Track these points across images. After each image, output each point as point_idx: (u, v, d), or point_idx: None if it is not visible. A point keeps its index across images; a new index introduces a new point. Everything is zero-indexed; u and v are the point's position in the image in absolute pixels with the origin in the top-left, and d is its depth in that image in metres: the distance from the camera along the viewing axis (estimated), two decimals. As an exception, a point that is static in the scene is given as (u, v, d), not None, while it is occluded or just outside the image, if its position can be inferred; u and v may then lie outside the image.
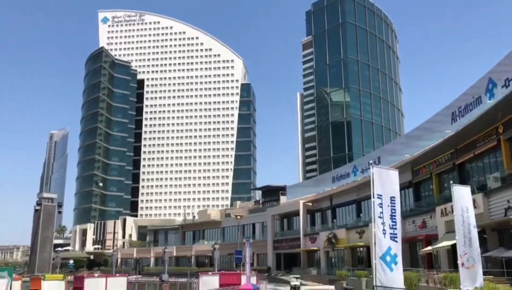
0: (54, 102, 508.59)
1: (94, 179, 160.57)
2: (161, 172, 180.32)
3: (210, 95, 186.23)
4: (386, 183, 13.63)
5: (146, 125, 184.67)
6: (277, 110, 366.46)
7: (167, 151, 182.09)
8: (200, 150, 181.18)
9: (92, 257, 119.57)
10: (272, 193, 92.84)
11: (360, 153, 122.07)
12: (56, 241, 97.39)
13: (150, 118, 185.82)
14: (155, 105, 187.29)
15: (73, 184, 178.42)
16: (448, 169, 40.42)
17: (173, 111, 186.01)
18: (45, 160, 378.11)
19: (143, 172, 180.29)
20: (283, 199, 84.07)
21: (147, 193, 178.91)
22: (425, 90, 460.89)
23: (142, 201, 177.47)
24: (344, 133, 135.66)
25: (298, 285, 44.78)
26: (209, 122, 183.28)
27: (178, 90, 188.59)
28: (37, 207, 45.88)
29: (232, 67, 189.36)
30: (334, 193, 63.88)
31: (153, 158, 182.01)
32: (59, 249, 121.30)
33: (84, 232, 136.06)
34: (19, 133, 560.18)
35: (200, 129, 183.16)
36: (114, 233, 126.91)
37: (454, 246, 20.91)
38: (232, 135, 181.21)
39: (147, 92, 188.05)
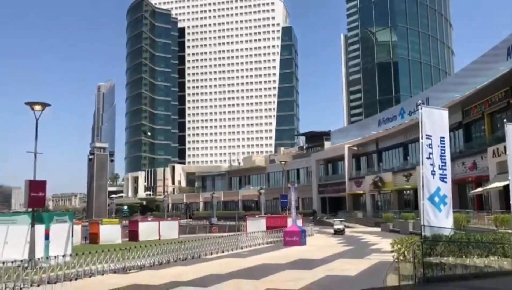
0: (101, 55, 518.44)
1: (142, 128, 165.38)
2: (206, 120, 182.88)
3: (251, 40, 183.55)
4: (435, 123, 13.17)
5: (188, 74, 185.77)
6: (320, 54, 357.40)
7: (211, 100, 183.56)
8: (242, 97, 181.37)
9: (144, 202, 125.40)
10: (316, 138, 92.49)
11: (408, 94, 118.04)
12: (110, 189, 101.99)
13: (193, 67, 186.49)
14: (197, 54, 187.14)
15: (123, 134, 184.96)
16: (502, 108, 38.58)
17: (214, 58, 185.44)
18: (94, 111, 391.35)
19: (188, 121, 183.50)
20: (327, 144, 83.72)
21: (193, 141, 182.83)
22: (477, 25, 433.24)
23: (189, 148, 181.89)
24: (390, 75, 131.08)
25: (342, 229, 43.51)
26: (251, 68, 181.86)
27: (219, 36, 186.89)
28: (90, 157, 48.05)
29: (273, 10, 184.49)
30: (380, 137, 62.83)
31: (197, 107, 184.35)
32: (113, 196, 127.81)
33: (135, 180, 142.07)
34: (73, 84, 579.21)
35: (242, 76, 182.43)
36: (164, 180, 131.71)
37: (506, 187, 20.26)
38: (274, 81, 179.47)
39: (188, 40, 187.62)
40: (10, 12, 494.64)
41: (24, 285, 16.11)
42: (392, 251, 12.42)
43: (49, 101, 22.17)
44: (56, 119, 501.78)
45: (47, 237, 24.00)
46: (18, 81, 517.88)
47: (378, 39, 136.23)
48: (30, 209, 24.24)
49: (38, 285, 16.43)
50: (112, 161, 50.43)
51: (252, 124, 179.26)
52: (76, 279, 17.75)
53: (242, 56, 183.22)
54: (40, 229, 23.66)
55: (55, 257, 18.83)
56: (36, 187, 22.33)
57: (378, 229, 47.73)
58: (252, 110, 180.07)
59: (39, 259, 20.63)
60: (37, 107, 21.84)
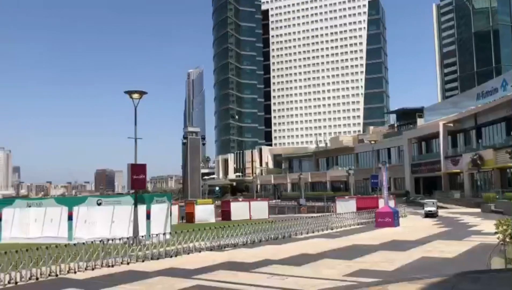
0: (189, 42, 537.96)
1: (230, 112, 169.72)
2: (291, 101, 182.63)
3: (336, 17, 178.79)
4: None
5: (273, 56, 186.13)
6: (410, 27, 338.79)
7: (296, 81, 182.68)
8: (328, 76, 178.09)
9: (234, 184, 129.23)
10: (408, 116, 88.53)
11: (510, 65, 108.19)
12: (202, 171, 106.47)
13: (277, 49, 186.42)
14: (281, 35, 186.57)
15: (213, 118, 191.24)
16: None
17: (299, 38, 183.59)
18: (185, 97, 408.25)
19: (274, 103, 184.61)
20: (420, 121, 79.79)
21: (279, 123, 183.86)
22: None
23: (275, 130, 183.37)
24: (490, 44, 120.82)
25: (434, 211, 38.88)
26: (336, 46, 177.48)
27: (303, 16, 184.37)
28: (184, 141, 50.41)
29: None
30: (480, 112, 58.51)
31: (282, 88, 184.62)
32: (206, 177, 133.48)
33: (225, 162, 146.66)
34: (166, 72, 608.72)
35: (327, 55, 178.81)
36: (252, 161, 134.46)
37: None
38: (361, 58, 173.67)
39: (272, 22, 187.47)
40: (105, 12, 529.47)
41: (130, 260, 17.51)
42: (496, 233, 11.62)
43: (146, 89, 23.54)
44: (153, 106, 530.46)
45: (148, 216, 25.76)
46: (122, 71, 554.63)
47: (475, 6, 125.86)
48: (132, 191, 26.09)
49: (143, 261, 17.75)
50: (203, 144, 52.71)
51: (338, 104, 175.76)
52: (176, 256, 18.89)
53: (327, 34, 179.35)
54: (142, 209, 25.45)
55: (156, 235, 20.19)
56: (137, 170, 23.98)
57: (477, 210, 44.83)
58: (338, 89, 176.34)
59: (142, 236, 22.26)
60: (135, 95, 23.28)
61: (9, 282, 13.69)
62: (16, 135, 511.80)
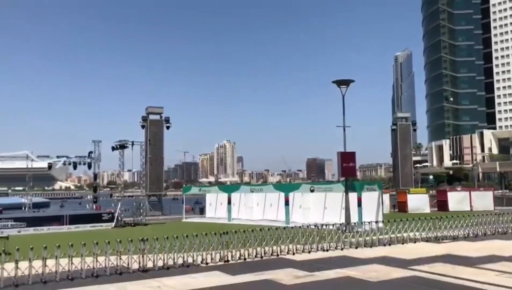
0: (395, 25, 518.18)
1: (443, 94, 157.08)
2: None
3: None
4: None
5: (495, 27, 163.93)
6: None
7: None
8: None
9: (450, 172, 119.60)
10: None
11: None
12: (414, 158, 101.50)
13: (499, 18, 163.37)
14: (504, 1, 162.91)
15: (423, 102, 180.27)
16: None
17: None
18: (393, 82, 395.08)
19: (497, 80, 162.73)
20: None
21: (505, 103, 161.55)
22: None
23: (499, 112, 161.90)
24: None
25: None
26: None
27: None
28: (393, 127, 48.76)
29: None
30: None
31: (507, 63, 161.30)
32: (418, 165, 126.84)
33: (439, 148, 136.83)
34: (368, 56, 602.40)
35: None
36: (471, 147, 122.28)
37: None
38: None
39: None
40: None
41: (344, 246, 17.89)
42: None
43: (353, 77, 23.59)
44: (360, 93, 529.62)
45: (359, 204, 25.90)
46: (329, 59, 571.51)
47: None
48: (342, 178, 26.59)
49: (356, 247, 17.93)
50: (414, 130, 49.77)
51: None
52: (389, 245, 18.52)
53: None
54: (353, 196, 25.75)
55: (369, 222, 20.13)
56: (347, 158, 24.33)
57: None
58: None
59: (354, 223, 22.49)
60: (343, 85, 23.57)
61: (239, 258, 15.53)
62: (239, 128, 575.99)
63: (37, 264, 12.26)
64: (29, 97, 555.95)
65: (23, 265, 12.04)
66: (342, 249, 17.60)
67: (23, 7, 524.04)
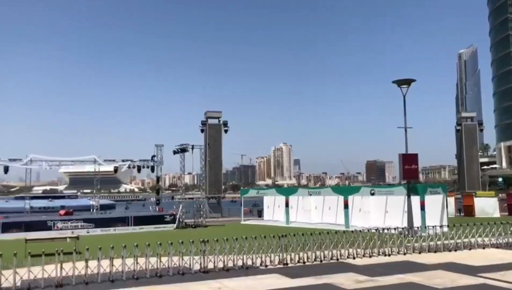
0: (459, 21, 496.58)
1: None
2: None
3: None
4: None
5: None
6: None
7: None
8: None
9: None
10: None
11: None
12: (481, 160, 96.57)
13: None
14: None
15: (490, 100, 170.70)
16: None
17: None
18: (457, 80, 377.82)
19: None
20: None
21: None
22: None
23: None
24: None
25: None
26: None
27: None
28: (458, 127, 46.68)
29: None
30: None
31: None
32: (485, 167, 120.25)
33: (509, 149, 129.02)
34: (430, 55, 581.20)
35: None
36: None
37: None
38: None
39: None
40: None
41: (407, 251, 17.32)
42: None
43: (414, 76, 22.86)
44: (422, 93, 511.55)
45: (422, 207, 24.98)
46: (388, 58, 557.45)
47: None
48: (404, 181, 25.77)
49: (419, 252, 17.30)
50: (481, 130, 47.26)
51: None
52: (455, 250, 17.70)
53: None
54: (415, 199, 24.89)
55: (432, 227, 19.34)
56: (409, 160, 23.58)
57: None
58: None
59: (417, 228, 21.71)
60: (404, 84, 22.88)
61: (298, 261, 15.46)
62: (295, 131, 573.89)
63: (105, 263, 12.87)
64: (103, 106, 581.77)
65: (92, 264, 12.69)
66: (404, 254, 17.05)
67: (100, 16, 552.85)
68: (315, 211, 35.09)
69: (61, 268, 12.23)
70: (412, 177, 24.64)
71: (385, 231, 18.02)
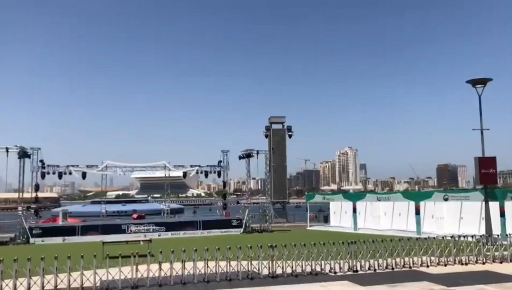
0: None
1: None
2: None
3: None
4: None
5: None
6: None
7: None
8: None
9: None
10: None
11: None
12: None
13: None
14: None
15: None
16: None
17: None
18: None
19: None
20: None
21: None
22: None
23: None
24: None
25: None
26: None
27: None
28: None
29: None
30: None
31: None
32: None
33: None
34: (507, 51, 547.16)
35: None
36: None
37: None
38: None
39: None
40: None
41: (486, 260, 16.30)
42: None
43: (489, 75, 21.59)
44: (497, 92, 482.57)
45: (502, 213, 23.49)
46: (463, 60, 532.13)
47: None
48: (480, 186, 24.35)
49: (500, 262, 16.23)
50: None
51: None
52: (541, 261, 16.41)
53: None
54: (494, 205, 23.42)
55: (514, 235, 18.06)
56: (486, 163, 22.28)
57: None
58: None
59: (497, 235, 20.38)
60: (479, 84, 21.69)
61: (368, 269, 15.04)
62: (362, 134, 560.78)
63: (177, 266, 13.25)
64: (176, 111, 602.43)
65: (165, 266, 13.11)
66: (483, 263, 16.06)
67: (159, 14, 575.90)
68: (384, 217, 34.07)
69: (137, 270, 12.77)
70: (490, 181, 23.21)
71: (461, 238, 17.08)
